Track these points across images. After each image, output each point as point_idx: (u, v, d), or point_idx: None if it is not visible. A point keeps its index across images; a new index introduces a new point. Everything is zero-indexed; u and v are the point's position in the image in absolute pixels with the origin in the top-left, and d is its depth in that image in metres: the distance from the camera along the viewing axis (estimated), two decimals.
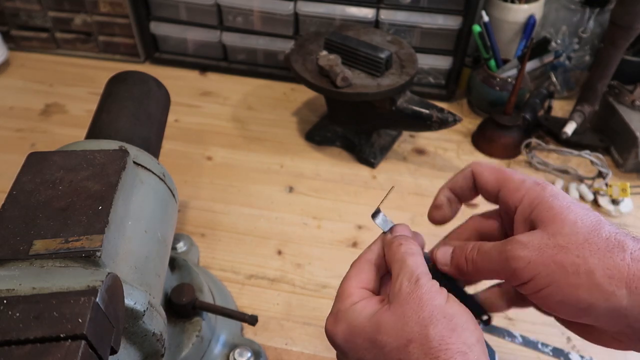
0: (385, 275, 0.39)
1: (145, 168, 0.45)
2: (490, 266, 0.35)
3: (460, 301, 0.34)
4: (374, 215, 0.40)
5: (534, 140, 0.84)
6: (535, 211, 0.34)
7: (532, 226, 0.34)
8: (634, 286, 0.30)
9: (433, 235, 0.76)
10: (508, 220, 0.38)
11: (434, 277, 0.35)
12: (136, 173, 0.44)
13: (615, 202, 0.77)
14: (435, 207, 0.42)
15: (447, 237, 0.43)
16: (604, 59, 0.80)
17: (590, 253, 0.31)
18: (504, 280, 0.36)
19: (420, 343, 0.31)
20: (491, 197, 0.38)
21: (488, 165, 0.39)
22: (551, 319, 0.65)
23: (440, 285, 0.34)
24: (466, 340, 0.30)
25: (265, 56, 1.01)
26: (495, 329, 0.62)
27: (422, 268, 0.35)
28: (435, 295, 0.32)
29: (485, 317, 0.39)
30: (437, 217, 0.42)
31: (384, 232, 0.40)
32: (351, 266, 0.39)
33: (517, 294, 0.40)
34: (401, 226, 0.40)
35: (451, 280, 0.39)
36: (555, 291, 0.31)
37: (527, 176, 0.36)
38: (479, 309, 0.39)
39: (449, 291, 0.34)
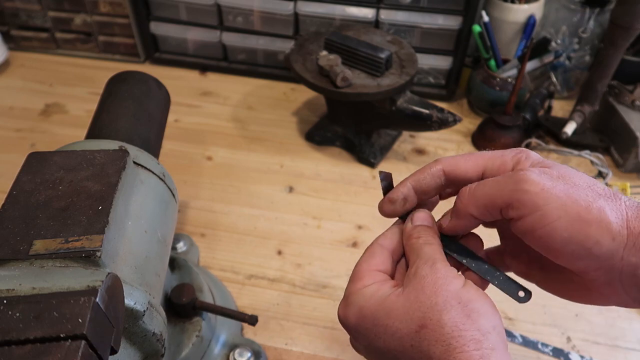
0: (399, 262, 0.38)
1: (145, 168, 0.45)
2: (491, 194, 0.32)
3: (492, 280, 0.35)
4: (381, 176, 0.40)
5: (534, 140, 0.84)
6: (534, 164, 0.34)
7: None
8: (632, 226, 0.30)
9: None
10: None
11: (452, 253, 0.36)
12: (136, 173, 0.44)
13: None
14: (389, 200, 0.39)
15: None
16: (604, 59, 0.79)
17: (597, 196, 0.30)
18: (499, 217, 0.33)
19: (432, 329, 0.30)
20: (472, 182, 0.36)
21: (458, 156, 0.36)
22: (551, 319, 0.65)
23: (466, 264, 0.35)
24: (481, 327, 0.30)
25: (265, 56, 1.01)
26: None
27: (440, 256, 0.34)
28: (452, 280, 0.32)
29: (522, 294, 0.35)
30: (387, 210, 0.39)
31: (401, 218, 0.39)
32: (365, 250, 0.37)
33: (513, 251, 0.38)
34: (422, 213, 0.38)
35: (478, 259, 0.36)
36: (564, 225, 0.30)
37: (502, 150, 0.35)
38: (512, 285, 0.35)
39: (477, 272, 0.35)
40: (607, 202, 0.30)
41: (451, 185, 0.37)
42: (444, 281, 0.31)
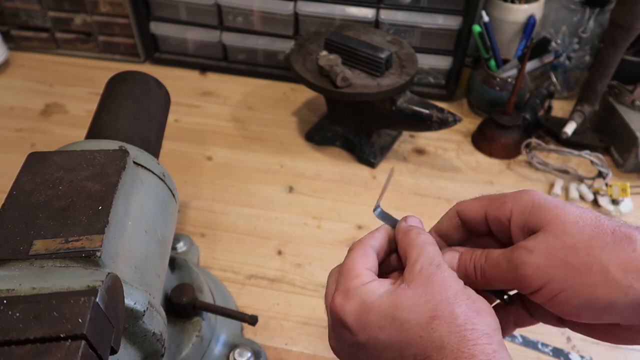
0: (382, 263, 0.38)
1: (145, 168, 0.45)
2: (499, 275, 0.34)
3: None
4: (375, 209, 0.41)
5: (534, 140, 0.84)
6: (531, 216, 0.33)
7: (531, 232, 0.33)
8: None
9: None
10: (504, 236, 0.36)
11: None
12: (136, 173, 0.44)
13: (615, 202, 0.77)
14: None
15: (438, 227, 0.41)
16: (604, 59, 0.79)
17: (600, 250, 0.30)
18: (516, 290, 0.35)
19: (445, 320, 0.30)
20: (481, 225, 0.37)
21: (471, 199, 0.38)
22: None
23: None
24: (490, 324, 0.30)
25: (265, 56, 1.01)
26: None
27: (441, 257, 0.34)
28: (457, 279, 0.33)
29: (506, 297, 0.37)
30: None
31: (392, 226, 0.40)
32: (353, 248, 0.37)
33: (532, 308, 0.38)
34: (414, 218, 0.39)
35: None
36: (572, 295, 0.30)
37: (503, 193, 0.36)
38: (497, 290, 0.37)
39: None
40: (614, 255, 0.29)
41: (467, 226, 0.38)
42: (450, 280, 0.32)
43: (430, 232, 0.39)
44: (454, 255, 0.37)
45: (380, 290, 0.33)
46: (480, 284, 0.35)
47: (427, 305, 0.31)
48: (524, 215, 0.33)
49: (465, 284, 0.35)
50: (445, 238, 0.39)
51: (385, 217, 0.40)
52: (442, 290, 0.31)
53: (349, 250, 0.37)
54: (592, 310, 0.30)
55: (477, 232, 0.38)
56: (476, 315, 0.30)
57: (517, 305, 0.38)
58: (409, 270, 0.34)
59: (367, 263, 0.36)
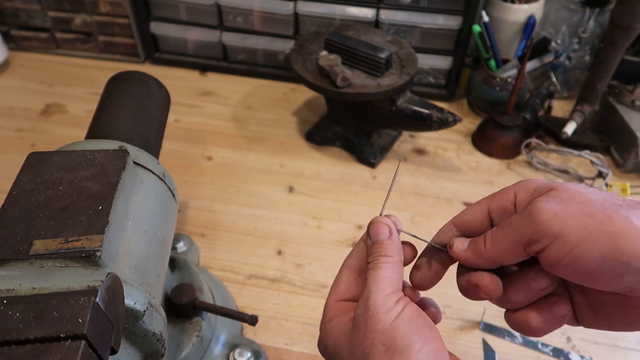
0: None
1: (145, 168, 0.45)
2: (510, 236, 0.31)
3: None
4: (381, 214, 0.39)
5: (534, 140, 0.84)
6: (537, 192, 0.31)
7: None
8: None
9: (432, 235, 0.76)
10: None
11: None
12: (136, 173, 0.44)
13: None
14: (415, 267, 0.38)
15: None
16: (604, 59, 0.79)
17: (617, 207, 0.28)
18: (526, 257, 0.31)
19: None
20: (483, 225, 0.35)
21: (463, 210, 0.37)
22: None
23: None
24: None
25: (265, 56, 1.01)
26: (495, 329, 0.62)
27: (379, 283, 0.32)
28: (381, 317, 0.30)
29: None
30: (416, 279, 0.37)
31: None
32: (337, 274, 0.37)
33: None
34: (380, 225, 0.36)
35: None
36: (591, 245, 0.27)
37: (504, 187, 0.35)
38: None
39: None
40: (630, 211, 0.28)
41: (466, 234, 0.36)
42: (373, 320, 0.31)
43: (424, 252, 0.37)
44: (465, 240, 0.35)
45: (336, 332, 0.34)
46: (490, 253, 0.32)
47: (351, 356, 0.31)
48: (528, 194, 0.32)
49: (473, 263, 0.34)
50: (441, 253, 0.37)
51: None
52: (364, 338, 0.31)
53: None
54: (612, 264, 0.27)
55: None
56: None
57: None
58: (359, 306, 0.32)
59: (338, 293, 0.36)
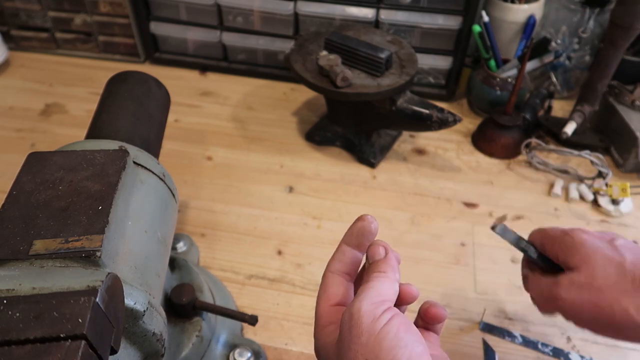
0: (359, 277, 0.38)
1: (145, 168, 0.45)
2: (544, 300, 0.44)
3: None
4: (494, 227, 0.45)
5: (534, 140, 0.84)
6: (567, 258, 0.42)
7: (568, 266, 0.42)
8: None
9: (432, 235, 0.76)
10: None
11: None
12: (136, 173, 0.44)
13: (615, 202, 0.77)
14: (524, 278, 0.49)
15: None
16: (604, 59, 0.79)
17: (621, 293, 0.38)
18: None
19: None
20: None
21: (536, 231, 0.47)
22: (551, 319, 0.65)
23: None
24: None
25: (265, 56, 1.01)
26: (495, 329, 0.62)
27: (367, 292, 0.32)
28: (365, 327, 0.30)
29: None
30: (526, 288, 0.49)
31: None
32: (321, 282, 0.37)
33: None
34: (378, 247, 0.37)
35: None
36: (598, 330, 0.40)
37: (558, 228, 0.45)
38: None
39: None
40: (633, 299, 0.38)
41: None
42: (357, 330, 0.30)
43: (523, 265, 0.49)
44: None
45: (329, 340, 0.33)
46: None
47: None
48: (565, 255, 0.43)
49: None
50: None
51: (505, 233, 0.45)
52: (347, 349, 0.30)
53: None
54: (605, 330, 0.40)
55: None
56: None
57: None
58: (345, 313, 0.32)
59: (328, 298, 0.36)
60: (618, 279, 0.38)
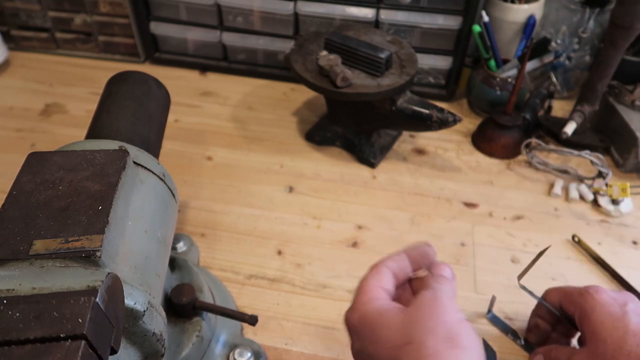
0: (402, 287, 0.42)
1: (145, 168, 0.45)
2: None
3: None
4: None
5: (534, 140, 0.84)
6: (581, 323, 0.47)
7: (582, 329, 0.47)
8: None
9: (432, 235, 0.76)
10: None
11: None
12: (136, 173, 0.44)
13: (615, 202, 0.77)
14: (528, 330, 0.58)
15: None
16: (604, 59, 0.79)
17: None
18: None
19: (415, 348, 0.32)
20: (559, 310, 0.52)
21: (553, 289, 0.53)
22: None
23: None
24: (467, 358, 0.32)
25: (265, 56, 1.01)
26: (500, 323, 0.62)
27: (446, 293, 0.37)
28: (449, 312, 0.34)
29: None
30: (532, 338, 0.57)
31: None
32: (370, 268, 0.41)
33: None
34: (447, 267, 0.42)
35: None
36: None
37: (575, 288, 0.49)
38: None
39: None
40: None
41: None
42: (441, 310, 0.34)
43: (532, 316, 0.57)
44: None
45: (383, 308, 0.36)
46: None
47: (408, 329, 0.33)
48: (579, 320, 0.48)
49: None
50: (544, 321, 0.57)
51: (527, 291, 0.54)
52: (427, 318, 0.33)
53: (369, 269, 0.41)
54: None
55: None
56: (449, 349, 0.31)
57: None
58: (425, 294, 0.37)
59: (379, 281, 0.39)
60: (615, 354, 0.41)
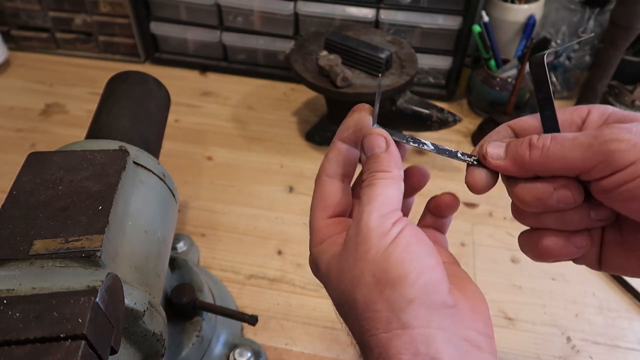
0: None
1: (145, 168, 0.45)
2: (571, 153, 0.27)
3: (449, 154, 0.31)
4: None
5: None
6: (611, 118, 0.29)
7: None
8: None
9: None
10: None
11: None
12: (136, 173, 0.44)
13: None
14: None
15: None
16: (604, 59, 0.80)
17: None
18: (577, 174, 0.28)
19: (349, 307, 0.27)
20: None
21: (525, 116, 0.33)
22: (551, 319, 0.65)
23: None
24: (394, 303, 0.26)
25: (265, 56, 1.01)
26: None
27: (375, 202, 0.28)
28: (374, 242, 0.27)
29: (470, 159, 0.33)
30: (477, 183, 0.34)
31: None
32: (315, 186, 0.32)
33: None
34: (376, 136, 0.32)
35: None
36: None
37: (573, 107, 0.32)
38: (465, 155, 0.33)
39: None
40: None
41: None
42: (365, 246, 0.27)
43: (474, 150, 0.33)
44: (499, 143, 0.31)
45: (327, 256, 0.30)
46: (537, 165, 0.29)
47: (340, 287, 0.28)
48: (602, 117, 0.29)
49: (512, 172, 0.31)
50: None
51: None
52: (352, 267, 0.27)
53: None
54: None
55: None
56: (378, 295, 0.26)
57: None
58: (351, 227, 0.29)
59: (325, 207, 0.32)
60: None
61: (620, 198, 0.27)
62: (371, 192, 0.29)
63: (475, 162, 0.32)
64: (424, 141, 0.33)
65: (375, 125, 0.33)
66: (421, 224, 0.37)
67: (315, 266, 0.32)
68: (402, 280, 0.26)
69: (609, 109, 0.30)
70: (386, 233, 0.27)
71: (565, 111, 0.31)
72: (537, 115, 0.32)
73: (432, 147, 0.33)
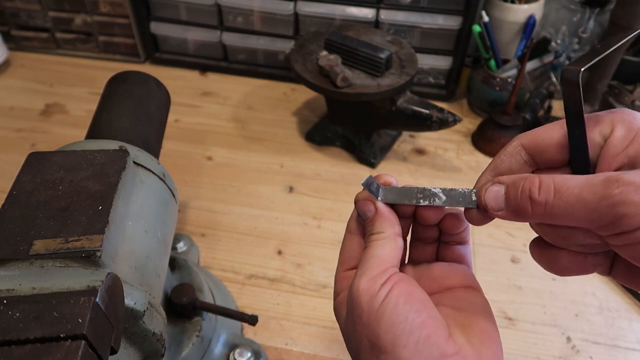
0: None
1: (145, 168, 0.45)
2: (577, 212, 0.25)
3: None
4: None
5: None
6: (637, 141, 0.27)
7: (633, 160, 0.27)
8: None
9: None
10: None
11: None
12: (136, 173, 0.44)
13: None
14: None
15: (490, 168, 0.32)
16: (604, 59, 0.80)
17: None
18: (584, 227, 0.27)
19: None
20: (559, 154, 0.29)
21: (536, 128, 0.30)
22: (551, 319, 0.65)
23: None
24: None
25: (265, 56, 1.01)
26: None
27: (366, 265, 0.29)
28: (365, 306, 0.28)
29: (474, 197, 0.32)
30: (475, 218, 0.34)
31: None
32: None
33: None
34: (363, 202, 0.32)
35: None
36: None
37: (595, 113, 0.29)
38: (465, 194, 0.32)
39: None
40: None
41: (536, 162, 0.30)
42: (358, 311, 0.28)
43: (484, 173, 0.32)
44: (498, 189, 0.29)
45: (342, 312, 0.31)
46: (541, 218, 0.27)
47: (349, 345, 0.29)
48: (629, 136, 0.27)
49: (514, 219, 0.29)
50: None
51: (371, 187, 0.33)
52: (354, 331, 0.28)
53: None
54: None
55: (551, 165, 0.30)
56: (375, 357, 0.27)
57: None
58: (348, 292, 0.30)
59: (344, 261, 0.33)
60: None
61: (628, 255, 0.26)
62: (365, 255, 0.30)
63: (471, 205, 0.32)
64: (434, 191, 0.32)
65: (380, 193, 0.33)
66: (440, 255, 0.38)
67: (337, 318, 0.33)
68: (393, 344, 0.26)
69: (635, 124, 0.27)
70: (374, 295, 0.28)
71: (587, 124, 0.28)
72: (553, 128, 0.30)
73: (445, 199, 0.32)
